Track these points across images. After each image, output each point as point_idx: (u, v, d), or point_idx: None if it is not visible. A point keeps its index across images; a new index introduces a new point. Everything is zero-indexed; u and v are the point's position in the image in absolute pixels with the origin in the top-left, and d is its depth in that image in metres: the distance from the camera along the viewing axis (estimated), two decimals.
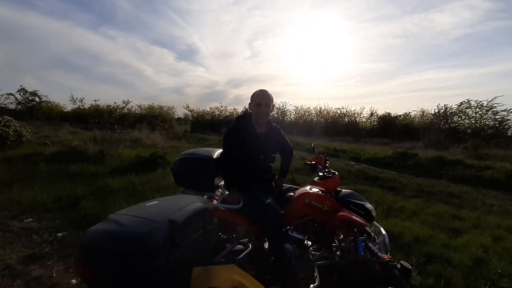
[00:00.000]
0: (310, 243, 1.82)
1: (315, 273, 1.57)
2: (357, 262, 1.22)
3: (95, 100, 20.31)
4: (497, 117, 12.68)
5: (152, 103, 22.76)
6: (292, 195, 1.89)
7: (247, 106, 1.95)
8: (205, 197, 1.81)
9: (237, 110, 22.74)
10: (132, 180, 4.23)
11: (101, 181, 4.16)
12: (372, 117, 19.01)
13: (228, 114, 22.87)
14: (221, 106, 23.54)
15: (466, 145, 9.96)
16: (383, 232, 1.75)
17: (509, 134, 12.23)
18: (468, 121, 13.73)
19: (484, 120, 13.10)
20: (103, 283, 0.82)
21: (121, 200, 3.31)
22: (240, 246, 1.34)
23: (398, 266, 0.92)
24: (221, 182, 1.97)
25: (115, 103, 20.22)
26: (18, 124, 7.03)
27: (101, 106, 20.16)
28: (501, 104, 12.55)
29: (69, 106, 20.68)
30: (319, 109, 20.81)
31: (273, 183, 2.02)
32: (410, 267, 0.91)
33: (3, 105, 17.28)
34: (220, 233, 1.74)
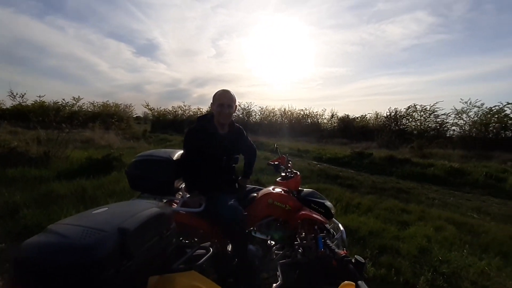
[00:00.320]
0: (273, 242, 1.84)
1: (278, 272, 1.58)
2: (317, 259, 1.26)
3: (39, 96, 18.42)
4: (438, 120, 14.35)
5: (107, 101, 21.43)
6: (255, 196, 1.89)
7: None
8: (164, 201, 1.73)
9: (201, 109, 22.29)
10: (82, 185, 3.87)
11: (46, 187, 3.73)
12: (333, 118, 20.08)
13: (192, 113, 22.30)
14: (184, 105, 23.01)
15: (412, 145, 11.10)
16: (341, 228, 1.86)
17: (448, 135, 13.88)
18: (414, 123, 15.29)
19: (428, 123, 14.69)
20: None
21: (69, 207, 3.00)
22: (201, 251, 1.29)
23: (353, 260, 0.96)
24: (182, 185, 1.90)
25: (63, 99, 18.63)
26: None
27: (47, 103, 18.32)
28: (441, 109, 14.24)
29: (8, 103, 18.43)
30: (283, 110, 21.39)
31: (237, 184, 2.00)
32: (364, 261, 0.96)
33: None
34: (181, 238, 1.67)
